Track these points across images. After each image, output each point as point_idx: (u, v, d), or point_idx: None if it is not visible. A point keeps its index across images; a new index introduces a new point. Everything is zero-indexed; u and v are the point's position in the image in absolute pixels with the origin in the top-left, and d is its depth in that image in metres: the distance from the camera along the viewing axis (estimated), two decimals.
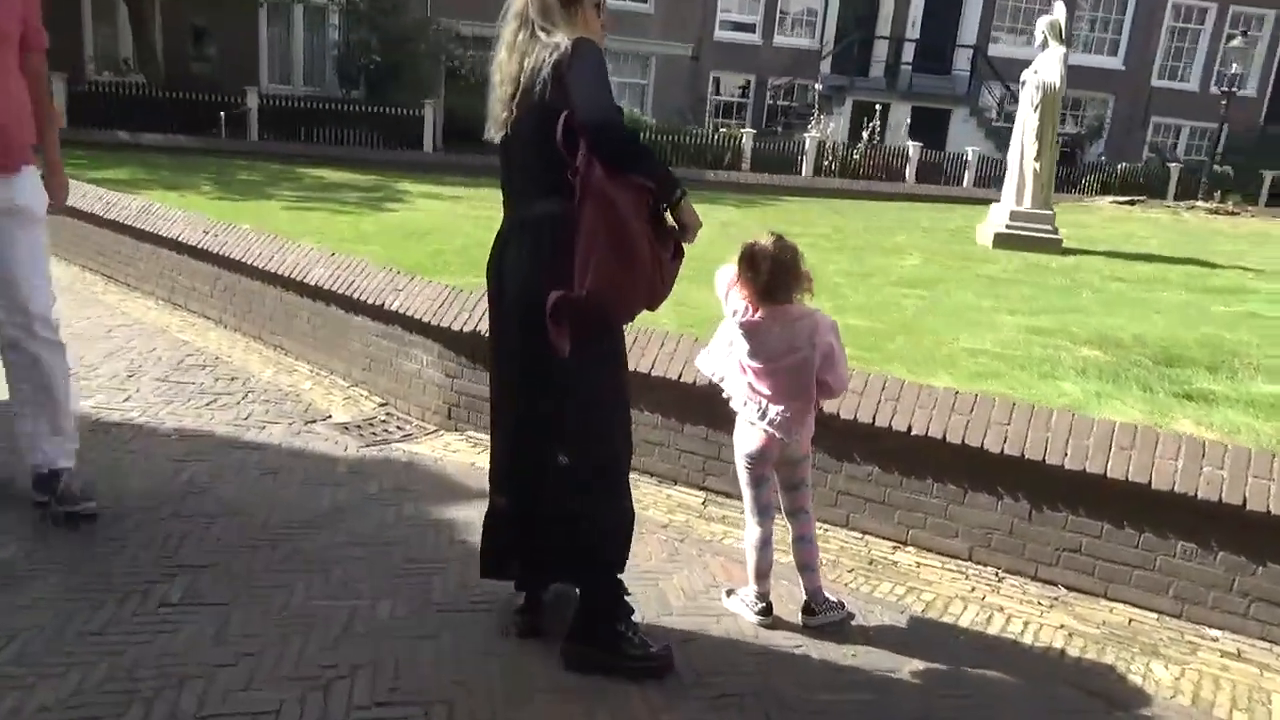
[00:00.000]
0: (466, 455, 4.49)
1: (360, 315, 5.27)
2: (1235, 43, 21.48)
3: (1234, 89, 21.09)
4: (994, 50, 25.58)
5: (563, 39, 2.43)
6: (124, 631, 2.67)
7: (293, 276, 5.63)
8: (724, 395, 3.07)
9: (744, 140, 19.79)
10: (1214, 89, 25.84)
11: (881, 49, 25.50)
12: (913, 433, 3.70)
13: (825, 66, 25.07)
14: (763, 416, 2.90)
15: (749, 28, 25.17)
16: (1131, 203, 17.97)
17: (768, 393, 2.89)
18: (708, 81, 24.95)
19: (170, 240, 6.57)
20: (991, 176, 21.01)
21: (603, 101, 2.33)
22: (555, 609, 2.88)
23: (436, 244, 7.81)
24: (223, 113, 17.01)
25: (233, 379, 5.23)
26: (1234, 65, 21.45)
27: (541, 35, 2.47)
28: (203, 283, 6.40)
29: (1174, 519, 3.37)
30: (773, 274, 2.77)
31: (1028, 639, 3.22)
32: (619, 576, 2.68)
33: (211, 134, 16.64)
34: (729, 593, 3.20)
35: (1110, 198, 18.18)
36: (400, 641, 2.75)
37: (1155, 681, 3.01)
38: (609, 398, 2.58)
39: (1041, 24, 9.98)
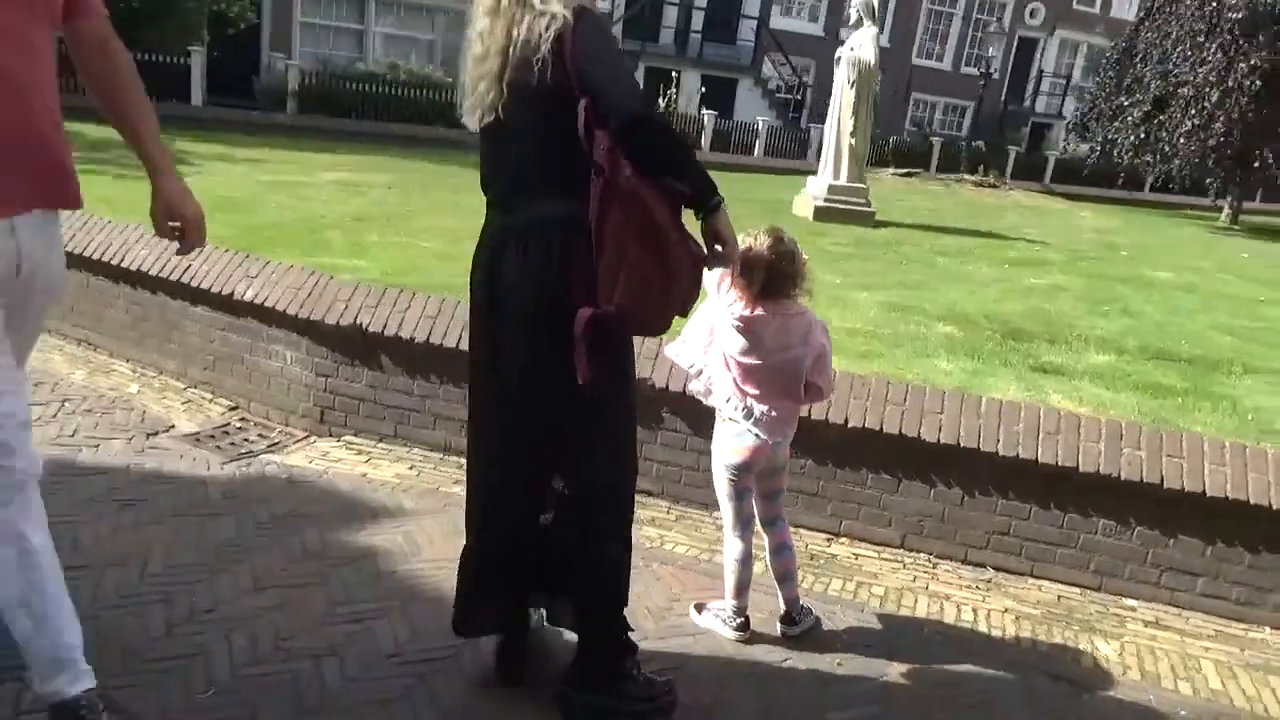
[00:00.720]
0: (353, 465, 4.00)
1: (200, 305, 4.55)
2: (992, 29, 23.52)
3: (990, 71, 23.08)
4: (774, 23, 26.50)
5: (558, 7, 2.09)
6: None
7: (105, 259, 4.77)
8: (699, 393, 2.85)
9: None
10: (965, 69, 28.24)
11: (671, 15, 25.73)
12: (849, 425, 3.66)
13: (618, 30, 24.95)
14: (748, 415, 2.72)
15: None
16: (909, 175, 19.27)
17: (755, 391, 2.71)
18: None
19: None
20: (780, 146, 21.84)
21: (629, 88, 2.02)
22: (535, 653, 2.58)
23: (253, 218, 6.95)
24: None
25: (38, 384, 4.37)
26: (990, 49, 23.50)
27: (534, 1, 2.11)
28: None
29: (1097, 499, 3.54)
30: (769, 280, 2.58)
31: (982, 626, 3.28)
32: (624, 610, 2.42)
33: None
34: (698, 608, 3.01)
35: (890, 170, 19.39)
36: (368, 709, 2.35)
37: (1105, 658, 3.15)
38: (627, 413, 2.30)
39: (856, 2, 10.32)
